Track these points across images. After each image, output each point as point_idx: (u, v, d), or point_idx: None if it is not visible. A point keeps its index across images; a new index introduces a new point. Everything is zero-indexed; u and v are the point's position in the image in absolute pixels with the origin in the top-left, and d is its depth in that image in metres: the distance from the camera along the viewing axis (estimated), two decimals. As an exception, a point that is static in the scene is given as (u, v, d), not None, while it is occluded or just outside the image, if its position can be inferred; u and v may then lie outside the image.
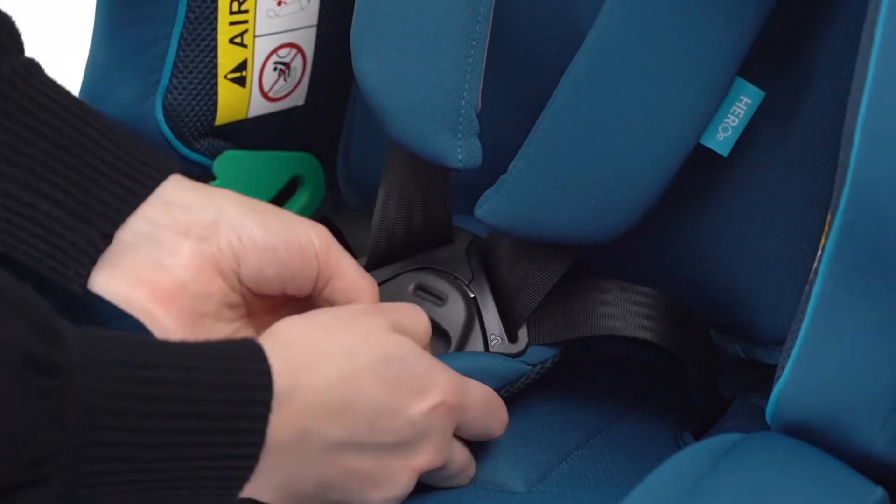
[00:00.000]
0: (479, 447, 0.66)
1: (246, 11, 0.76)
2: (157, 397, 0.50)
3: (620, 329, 0.68)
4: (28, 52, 0.65)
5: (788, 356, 0.57)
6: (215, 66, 0.77)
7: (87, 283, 0.61)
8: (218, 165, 0.82)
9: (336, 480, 0.57)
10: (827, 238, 0.54)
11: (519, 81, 0.72)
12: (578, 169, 0.64)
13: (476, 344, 0.68)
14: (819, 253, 0.55)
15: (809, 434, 0.57)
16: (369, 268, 0.71)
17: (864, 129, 0.50)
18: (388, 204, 0.71)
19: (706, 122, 0.63)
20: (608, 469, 0.68)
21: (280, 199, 0.89)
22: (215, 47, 0.76)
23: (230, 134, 0.81)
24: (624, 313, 0.68)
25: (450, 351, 0.67)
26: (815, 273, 0.55)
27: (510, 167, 0.65)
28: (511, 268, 0.68)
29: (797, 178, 0.66)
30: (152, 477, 0.51)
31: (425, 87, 0.65)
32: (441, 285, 0.69)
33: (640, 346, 0.72)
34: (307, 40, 0.81)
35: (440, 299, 0.68)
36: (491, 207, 0.66)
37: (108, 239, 0.61)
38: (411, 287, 0.69)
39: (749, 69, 0.62)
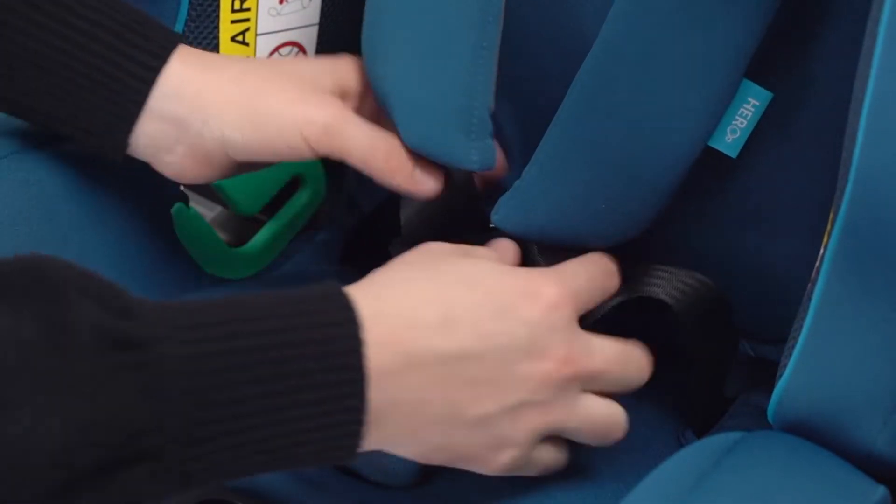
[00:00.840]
0: None
1: (248, 10, 0.76)
2: (241, 350, 0.50)
3: (656, 293, 0.66)
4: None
5: (790, 355, 0.57)
6: (217, 65, 0.77)
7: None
8: (219, 164, 0.82)
9: (464, 397, 0.56)
10: (829, 237, 0.54)
11: (525, 88, 0.72)
12: (588, 174, 0.63)
13: None
14: (821, 251, 0.55)
15: (811, 432, 0.57)
16: None
17: (866, 127, 0.50)
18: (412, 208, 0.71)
19: (715, 125, 0.63)
20: (611, 463, 0.68)
21: (281, 198, 0.89)
22: (217, 46, 0.76)
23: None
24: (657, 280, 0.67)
25: None
26: (818, 272, 0.55)
27: (523, 173, 0.65)
28: (542, 256, 0.68)
29: (804, 178, 0.66)
30: (265, 433, 0.51)
31: (437, 89, 0.65)
32: None
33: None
34: (309, 39, 0.80)
35: None
36: (505, 214, 0.66)
37: (124, 148, 0.66)
38: None
39: (755, 71, 0.62)
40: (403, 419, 0.55)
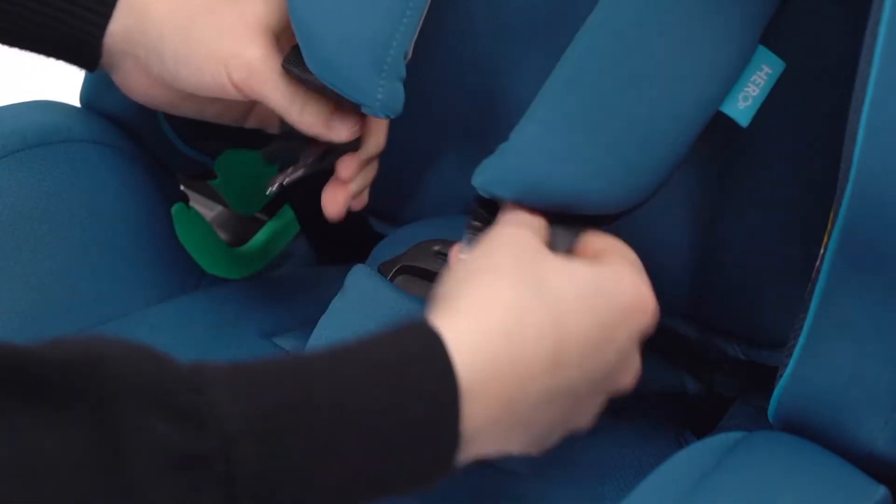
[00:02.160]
0: None
1: (248, 10, 0.76)
2: (317, 448, 0.45)
3: None
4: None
5: (791, 354, 0.57)
6: (217, 65, 0.77)
7: None
8: (218, 165, 0.82)
9: (552, 422, 0.53)
10: (829, 236, 0.54)
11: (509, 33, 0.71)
12: (596, 128, 0.59)
13: None
14: (822, 251, 0.55)
15: (812, 432, 0.57)
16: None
17: (867, 126, 0.50)
18: None
19: (728, 88, 0.60)
20: (612, 463, 0.68)
21: (280, 199, 0.89)
22: (217, 45, 0.76)
23: (231, 134, 0.81)
24: None
25: None
26: (818, 271, 0.55)
27: (513, 133, 0.60)
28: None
29: (802, 171, 0.66)
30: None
31: (359, 19, 0.63)
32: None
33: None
34: (309, 39, 0.80)
35: None
36: (493, 175, 0.59)
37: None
38: (433, 250, 0.68)
39: (771, 40, 0.60)
40: (490, 445, 0.51)
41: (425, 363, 0.47)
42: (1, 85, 0.69)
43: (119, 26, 0.65)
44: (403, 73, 0.62)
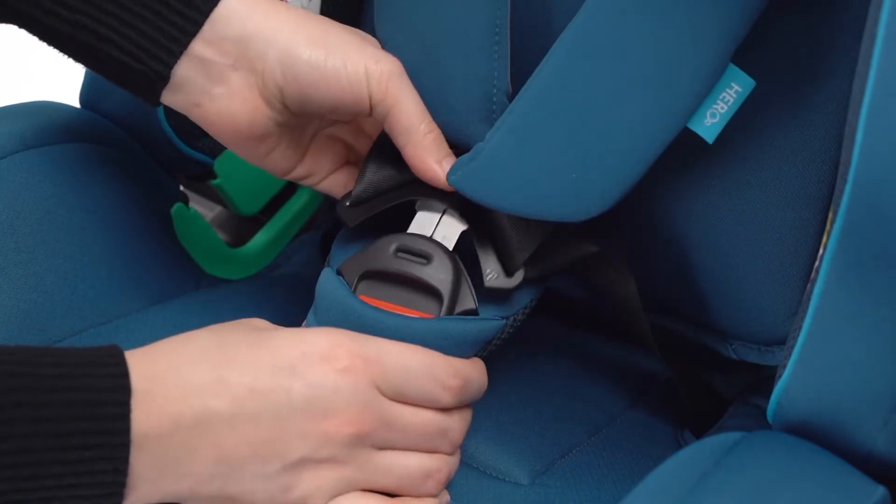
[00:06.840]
0: (485, 434, 0.66)
1: (248, 10, 0.76)
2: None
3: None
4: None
5: (790, 355, 0.57)
6: (217, 65, 0.77)
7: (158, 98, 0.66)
8: (219, 164, 0.82)
9: (240, 454, 0.56)
10: (829, 237, 0.54)
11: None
12: (561, 142, 0.62)
13: (466, 301, 0.65)
14: (821, 252, 0.55)
15: (811, 433, 0.57)
16: (356, 202, 0.69)
17: (866, 127, 0.50)
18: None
19: (696, 106, 0.61)
20: (610, 465, 0.68)
21: (280, 199, 0.89)
22: (217, 46, 0.76)
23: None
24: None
25: (442, 309, 0.64)
26: (817, 272, 0.55)
27: (488, 135, 0.63)
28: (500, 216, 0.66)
29: (790, 178, 0.66)
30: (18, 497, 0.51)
31: (456, 78, 0.64)
32: (423, 245, 0.65)
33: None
34: (309, 39, 0.80)
35: (425, 259, 0.65)
36: (464, 175, 0.63)
37: (164, 80, 0.64)
38: (392, 249, 0.65)
39: (744, 58, 0.61)
40: (172, 479, 0.55)
41: (100, 366, 0.53)
42: (1, 85, 0.69)
43: (214, 39, 0.63)
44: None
